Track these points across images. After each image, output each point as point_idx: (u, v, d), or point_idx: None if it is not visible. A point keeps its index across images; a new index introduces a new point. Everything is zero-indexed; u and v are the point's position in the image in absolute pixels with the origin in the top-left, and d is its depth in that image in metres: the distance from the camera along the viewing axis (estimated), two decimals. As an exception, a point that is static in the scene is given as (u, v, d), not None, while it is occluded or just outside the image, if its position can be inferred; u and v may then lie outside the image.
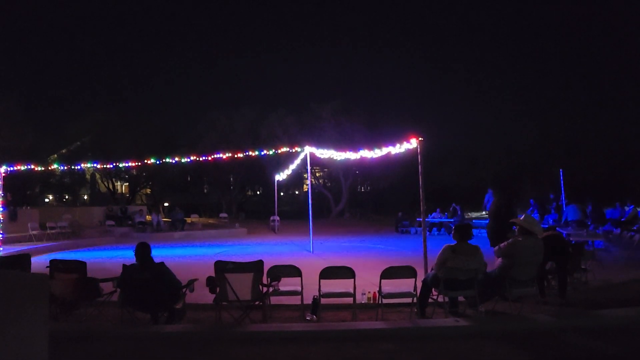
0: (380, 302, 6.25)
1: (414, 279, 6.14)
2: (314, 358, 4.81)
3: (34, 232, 17.27)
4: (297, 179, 34.67)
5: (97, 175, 35.54)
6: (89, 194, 38.78)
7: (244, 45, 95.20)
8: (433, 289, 6.32)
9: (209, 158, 16.52)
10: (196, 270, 7.28)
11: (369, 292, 6.89)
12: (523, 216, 6.79)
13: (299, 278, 6.49)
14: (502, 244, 6.51)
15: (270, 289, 6.22)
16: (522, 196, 23.83)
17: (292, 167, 18.58)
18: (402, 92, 70.63)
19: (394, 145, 9.34)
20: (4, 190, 13.18)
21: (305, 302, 6.39)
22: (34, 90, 61.97)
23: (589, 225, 15.10)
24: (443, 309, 6.30)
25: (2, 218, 13.39)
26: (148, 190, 37.90)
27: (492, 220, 8.93)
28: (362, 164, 24.40)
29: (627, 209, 15.73)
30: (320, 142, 21.03)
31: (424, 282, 6.39)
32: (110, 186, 34.77)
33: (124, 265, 5.94)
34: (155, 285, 5.73)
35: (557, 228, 8.97)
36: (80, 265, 6.23)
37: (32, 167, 15.60)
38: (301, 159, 16.08)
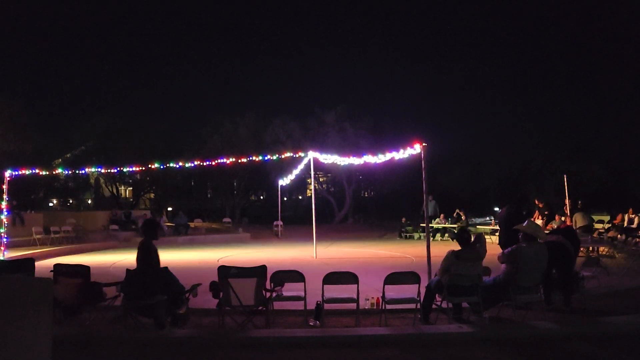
0: (383, 307, 6.22)
1: (417, 285, 6.12)
2: (317, 364, 4.80)
3: (38, 237, 17.31)
4: (300, 184, 34.69)
5: (101, 180, 35.63)
6: (93, 198, 38.91)
7: (249, 50, 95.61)
8: (437, 295, 6.30)
9: (213, 163, 16.54)
10: (199, 275, 7.26)
11: (373, 297, 6.86)
12: (526, 222, 6.75)
13: (302, 283, 6.47)
14: (505, 250, 6.48)
15: (274, 294, 6.22)
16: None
17: (296, 172, 18.58)
18: (406, 98, 70.76)
19: (397, 150, 9.34)
20: (9, 195, 13.24)
21: (308, 308, 6.37)
22: (38, 94, 62.37)
23: (594, 231, 15.01)
24: (447, 315, 6.28)
25: (6, 222, 13.44)
26: (152, 195, 37.99)
27: (502, 228, 8.90)
28: (365, 169, 24.43)
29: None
30: (324, 147, 21.06)
31: (428, 288, 6.37)
32: (114, 191, 34.89)
33: (128, 270, 5.96)
34: (158, 290, 5.74)
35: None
36: (84, 270, 6.24)
37: (37, 171, 15.66)
38: (305, 164, 16.10)
